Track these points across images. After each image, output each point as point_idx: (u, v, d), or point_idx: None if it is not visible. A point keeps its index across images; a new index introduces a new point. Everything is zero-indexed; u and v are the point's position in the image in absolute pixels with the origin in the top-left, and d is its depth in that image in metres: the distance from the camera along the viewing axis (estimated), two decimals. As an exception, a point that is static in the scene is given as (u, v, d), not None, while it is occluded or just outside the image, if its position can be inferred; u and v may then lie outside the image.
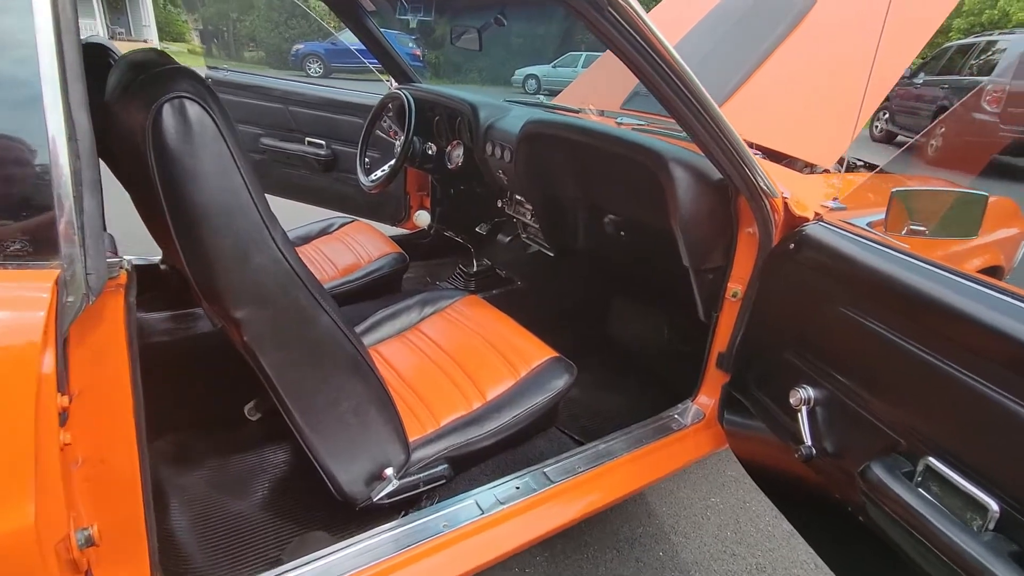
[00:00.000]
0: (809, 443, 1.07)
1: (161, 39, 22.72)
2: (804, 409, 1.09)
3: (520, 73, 16.81)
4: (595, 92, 2.37)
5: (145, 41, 19.53)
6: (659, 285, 1.92)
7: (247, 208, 0.82)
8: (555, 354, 1.42)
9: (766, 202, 1.24)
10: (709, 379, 1.50)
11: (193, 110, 0.76)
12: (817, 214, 1.19)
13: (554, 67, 16.11)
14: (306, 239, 2.16)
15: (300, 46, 15.60)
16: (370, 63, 2.74)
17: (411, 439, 1.18)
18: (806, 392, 1.09)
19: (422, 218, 2.02)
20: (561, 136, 1.60)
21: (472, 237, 2.45)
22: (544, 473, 1.25)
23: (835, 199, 1.38)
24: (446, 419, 1.26)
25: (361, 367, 1.01)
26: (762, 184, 1.21)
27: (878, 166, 2.10)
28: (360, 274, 1.90)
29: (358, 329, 1.53)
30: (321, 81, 3.79)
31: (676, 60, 1.01)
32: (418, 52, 15.05)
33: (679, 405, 1.52)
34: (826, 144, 1.70)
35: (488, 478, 1.35)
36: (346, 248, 2.06)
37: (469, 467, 1.32)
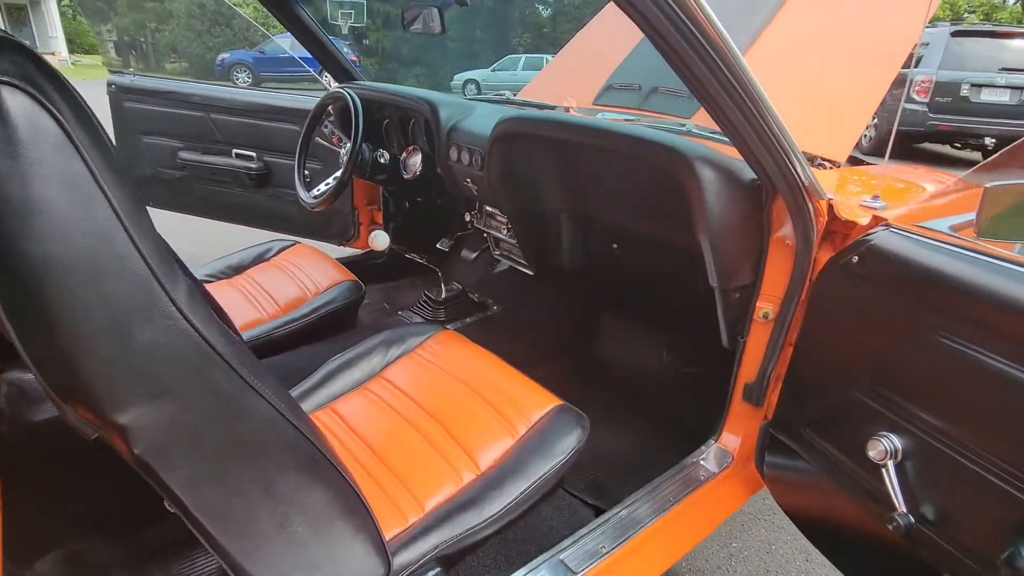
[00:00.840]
0: (904, 510, 0.84)
1: (71, 51, 21.21)
2: (891, 464, 0.87)
3: (459, 78, 16.54)
4: (561, 89, 2.14)
5: (53, 53, 18.11)
6: (660, 304, 1.69)
7: (125, 257, 0.52)
8: (559, 402, 1.16)
9: (810, 205, 1.02)
10: (735, 414, 1.28)
11: (17, 104, 0.46)
12: (879, 218, 0.98)
13: (494, 71, 15.94)
14: (239, 269, 1.82)
15: (226, 55, 14.83)
16: (305, 70, 2.41)
17: (389, 537, 0.89)
18: (890, 443, 0.87)
19: (379, 240, 1.71)
20: (546, 135, 1.34)
21: (436, 256, 2.17)
22: (562, 562, 0.99)
23: (875, 196, 1.19)
24: (432, 501, 0.98)
25: (320, 466, 0.72)
26: (807, 183, 1.00)
27: (861, 159, 1.94)
28: (307, 309, 1.59)
29: (308, 384, 1.23)
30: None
31: (716, 29, 0.78)
32: (354, 57, 14.57)
33: (701, 448, 1.28)
34: (837, 136, 1.52)
35: (487, 569, 1.07)
36: (288, 277, 1.74)
37: (463, 558, 1.04)
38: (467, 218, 1.84)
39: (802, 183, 0.99)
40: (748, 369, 1.23)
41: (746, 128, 0.90)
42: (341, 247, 2.52)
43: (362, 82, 2.08)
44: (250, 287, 1.70)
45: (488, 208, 1.79)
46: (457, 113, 1.66)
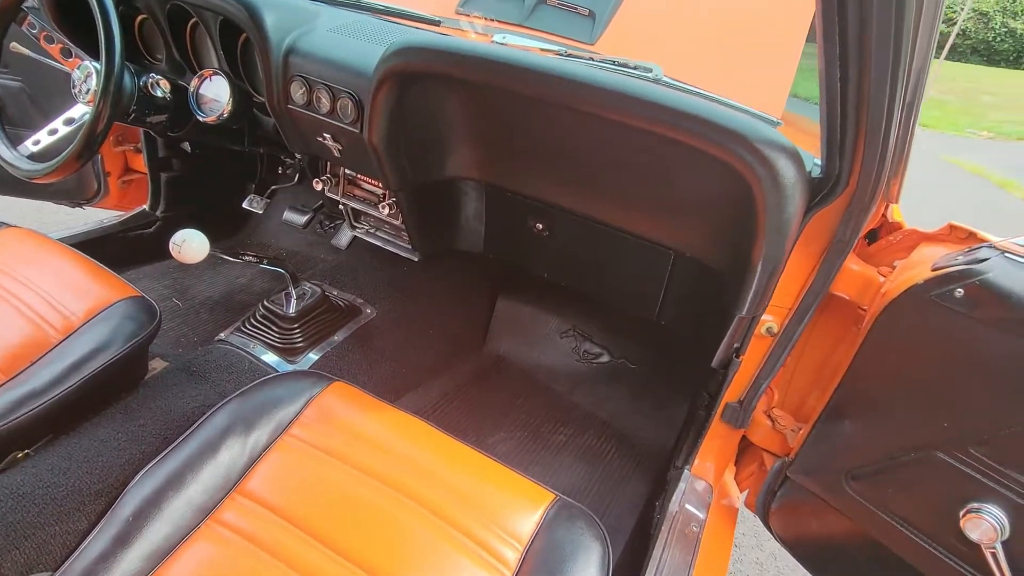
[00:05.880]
0: (1022, 605, 0.71)
1: None
2: (999, 546, 0.72)
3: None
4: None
5: None
6: (591, 287, 1.38)
7: None
8: (552, 495, 0.80)
9: (871, 209, 0.78)
10: (712, 435, 1.08)
11: None
12: (958, 229, 0.77)
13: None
14: None
15: None
16: None
17: None
18: (993, 517, 0.72)
19: (190, 248, 0.91)
20: (473, 79, 0.86)
21: (262, 229, 1.51)
22: None
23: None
24: None
25: None
26: (890, 178, 0.75)
27: None
28: (51, 375, 0.91)
29: (83, 563, 0.67)
30: None
31: None
32: None
33: (680, 484, 1.06)
34: (769, 85, 1.31)
35: None
36: (1, 303, 1.00)
37: None
38: (318, 186, 1.25)
39: (885, 181, 0.73)
40: (737, 388, 1.02)
41: (880, 104, 0.59)
42: (88, 207, 1.69)
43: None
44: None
45: (349, 172, 1.22)
46: (293, 21, 1.04)
